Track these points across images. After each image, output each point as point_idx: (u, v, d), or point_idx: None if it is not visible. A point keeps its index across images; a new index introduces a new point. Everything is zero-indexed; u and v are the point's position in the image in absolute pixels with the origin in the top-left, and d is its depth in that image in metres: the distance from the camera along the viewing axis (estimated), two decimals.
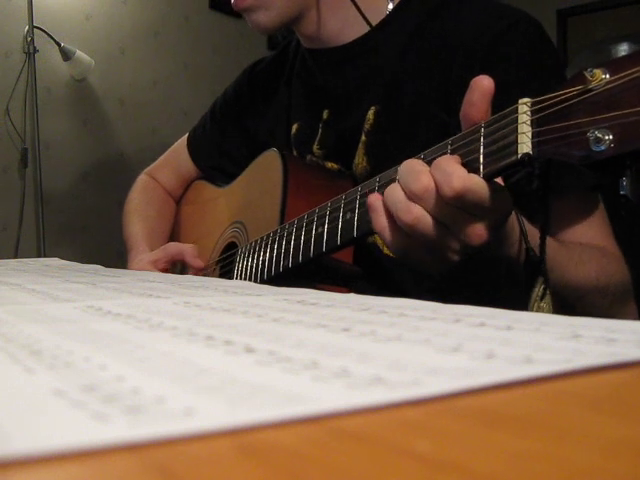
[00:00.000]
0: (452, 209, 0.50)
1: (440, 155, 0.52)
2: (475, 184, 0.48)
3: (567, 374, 0.18)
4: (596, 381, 0.18)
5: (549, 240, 0.56)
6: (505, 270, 0.56)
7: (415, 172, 0.51)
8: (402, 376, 0.18)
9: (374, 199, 0.55)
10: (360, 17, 0.81)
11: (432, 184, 0.50)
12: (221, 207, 1.04)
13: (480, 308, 0.31)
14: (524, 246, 0.55)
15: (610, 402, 0.17)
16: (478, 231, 0.50)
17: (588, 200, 0.72)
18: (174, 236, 1.17)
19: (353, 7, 0.81)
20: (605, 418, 0.16)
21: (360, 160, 0.83)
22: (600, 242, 0.71)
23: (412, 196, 0.51)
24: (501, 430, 0.15)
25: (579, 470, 0.12)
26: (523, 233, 0.53)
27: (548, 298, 0.47)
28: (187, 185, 1.18)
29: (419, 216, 0.51)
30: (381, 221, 0.55)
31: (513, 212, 0.54)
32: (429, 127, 0.77)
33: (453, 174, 0.49)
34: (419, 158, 0.55)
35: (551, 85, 0.47)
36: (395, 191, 0.53)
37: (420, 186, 0.50)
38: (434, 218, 0.51)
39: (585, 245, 0.69)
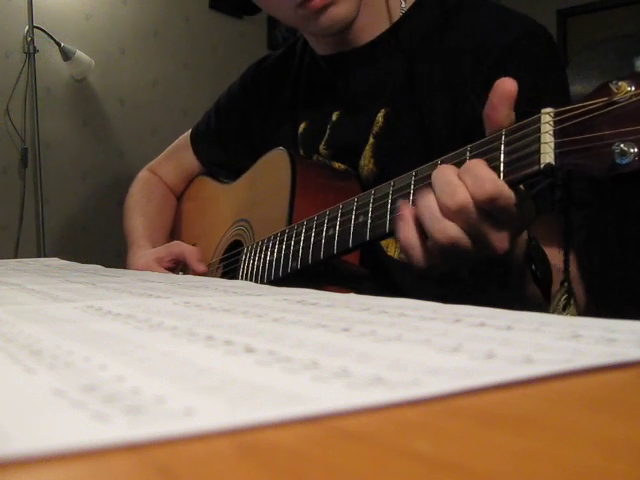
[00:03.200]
0: (482, 219, 0.49)
1: (459, 161, 0.52)
2: (506, 189, 0.48)
3: (567, 374, 0.18)
4: (596, 381, 0.18)
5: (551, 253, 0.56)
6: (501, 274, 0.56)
7: (452, 185, 0.50)
8: (402, 376, 0.18)
9: (407, 211, 0.53)
10: (376, 17, 0.82)
11: (468, 198, 0.49)
12: (224, 204, 1.03)
13: (480, 308, 0.31)
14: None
15: (610, 402, 0.17)
16: (502, 242, 0.50)
17: (549, 221, 0.69)
18: (175, 232, 1.17)
19: (374, 4, 0.81)
20: (605, 418, 0.16)
21: (366, 162, 0.83)
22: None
23: (447, 212, 0.50)
24: (501, 430, 0.15)
25: (579, 470, 0.12)
26: (531, 245, 0.52)
27: (572, 309, 0.46)
28: (189, 180, 1.18)
29: (454, 236, 0.50)
30: (409, 234, 0.53)
31: None
32: (437, 132, 0.77)
33: (485, 178, 0.48)
34: (435, 164, 0.54)
35: (556, 97, 0.46)
36: (430, 204, 0.51)
37: (457, 202, 0.49)
38: (468, 235, 0.50)
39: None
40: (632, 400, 0.17)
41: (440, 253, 0.52)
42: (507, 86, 0.51)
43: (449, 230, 0.50)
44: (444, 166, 0.53)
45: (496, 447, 0.13)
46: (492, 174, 0.49)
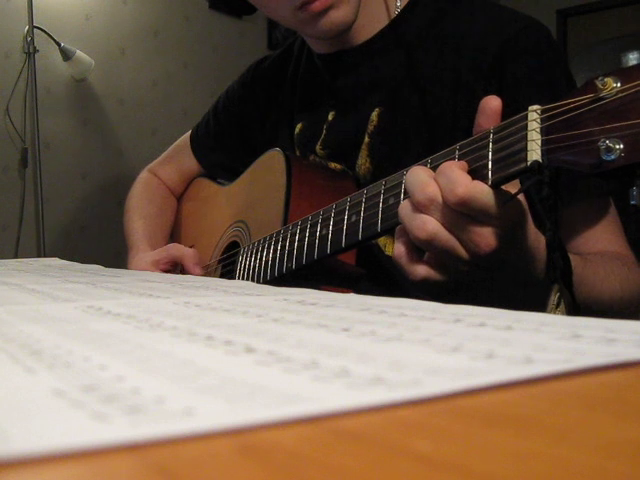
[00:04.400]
0: (459, 216, 0.50)
1: (447, 160, 0.52)
2: (479, 191, 0.48)
3: (567, 374, 0.18)
4: (596, 381, 0.18)
5: (573, 256, 0.56)
6: (529, 282, 0.55)
7: (420, 182, 0.51)
8: (402, 376, 0.18)
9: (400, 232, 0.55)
10: (374, 16, 0.82)
11: (438, 193, 0.50)
12: (223, 205, 1.03)
13: (480, 308, 0.31)
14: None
15: (610, 402, 0.17)
16: (487, 239, 0.50)
17: (601, 205, 0.72)
18: (175, 233, 1.17)
19: (372, 4, 0.82)
20: (605, 418, 0.16)
21: (363, 161, 0.83)
22: (616, 248, 0.71)
23: (420, 206, 0.51)
24: (501, 430, 0.15)
25: (579, 470, 0.12)
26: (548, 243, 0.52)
27: (562, 307, 0.47)
28: (189, 182, 1.18)
29: (432, 230, 0.50)
30: (398, 249, 0.55)
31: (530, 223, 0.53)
32: (433, 130, 0.77)
33: (456, 181, 0.48)
34: (425, 163, 0.55)
35: (560, 91, 0.46)
36: (404, 204, 0.53)
37: (428, 195, 0.50)
38: (446, 228, 0.50)
39: (604, 255, 0.69)
40: (632, 400, 0.17)
41: (434, 262, 0.52)
42: (492, 104, 0.51)
43: (427, 224, 0.51)
44: (416, 167, 0.54)
45: (496, 447, 0.13)
46: (465, 177, 0.49)
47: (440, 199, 0.50)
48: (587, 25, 3.79)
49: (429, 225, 0.51)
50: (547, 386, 0.18)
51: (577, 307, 0.50)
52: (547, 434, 0.14)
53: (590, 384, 0.18)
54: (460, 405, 0.16)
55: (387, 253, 0.79)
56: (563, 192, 0.68)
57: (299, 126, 0.93)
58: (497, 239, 0.50)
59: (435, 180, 0.50)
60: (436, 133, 0.76)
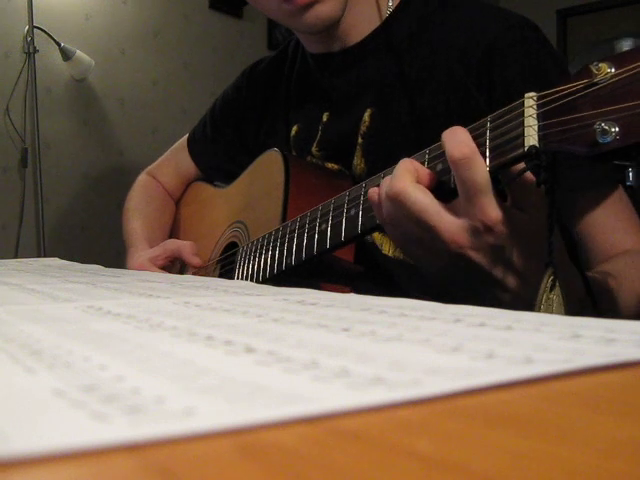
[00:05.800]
0: (416, 220, 0.51)
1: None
2: (480, 159, 0.48)
3: (567, 374, 0.18)
4: (596, 381, 0.18)
5: (606, 270, 0.56)
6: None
7: (394, 175, 0.52)
8: (402, 376, 0.18)
9: (372, 193, 0.56)
10: (365, 16, 0.83)
11: (402, 191, 0.51)
12: (221, 207, 1.04)
13: (480, 308, 0.31)
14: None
15: (610, 402, 0.17)
16: (454, 235, 0.49)
17: (613, 193, 0.72)
18: (173, 237, 1.17)
19: (362, 3, 0.82)
20: (605, 418, 0.16)
21: (358, 162, 0.83)
22: (631, 235, 0.71)
23: (387, 194, 0.53)
24: (501, 430, 0.15)
25: (579, 470, 0.12)
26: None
27: (558, 290, 0.47)
28: (187, 184, 1.18)
29: (390, 220, 0.53)
30: (380, 213, 0.56)
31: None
32: (426, 129, 0.77)
33: (464, 141, 0.49)
34: (424, 154, 0.55)
35: (553, 82, 0.47)
36: (384, 183, 0.55)
37: (391, 190, 0.52)
38: (405, 217, 0.52)
39: (627, 254, 0.69)
40: (632, 400, 0.17)
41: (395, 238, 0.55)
42: None
43: (389, 210, 0.53)
44: (407, 158, 0.55)
45: (496, 447, 0.13)
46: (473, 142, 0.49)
47: (401, 196, 0.51)
48: (587, 25, 3.79)
49: (389, 211, 0.53)
50: (547, 386, 0.18)
51: (591, 293, 0.49)
52: (547, 434, 0.14)
53: (590, 384, 0.18)
54: (460, 405, 0.16)
55: (384, 252, 0.79)
56: (573, 181, 0.68)
57: (295, 128, 0.93)
58: (467, 236, 0.49)
59: (444, 143, 0.50)
60: (428, 132, 0.76)
